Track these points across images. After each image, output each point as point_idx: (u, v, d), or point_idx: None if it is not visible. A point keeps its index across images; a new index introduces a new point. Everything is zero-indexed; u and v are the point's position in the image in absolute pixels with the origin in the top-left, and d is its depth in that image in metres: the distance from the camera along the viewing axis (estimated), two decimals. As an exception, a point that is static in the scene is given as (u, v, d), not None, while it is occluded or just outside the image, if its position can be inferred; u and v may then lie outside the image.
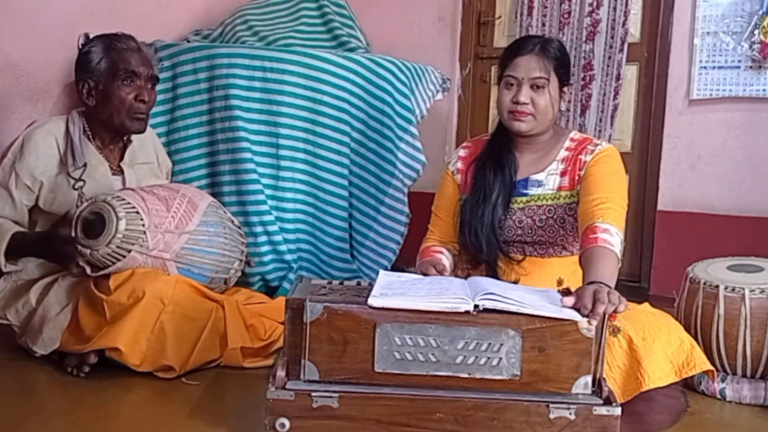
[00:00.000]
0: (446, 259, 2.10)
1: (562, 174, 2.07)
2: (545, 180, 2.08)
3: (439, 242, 2.17)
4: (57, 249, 2.01)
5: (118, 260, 1.97)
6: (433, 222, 2.22)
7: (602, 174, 1.98)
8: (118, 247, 1.96)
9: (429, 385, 1.51)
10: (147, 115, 2.22)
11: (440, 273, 1.87)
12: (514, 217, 2.08)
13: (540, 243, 2.08)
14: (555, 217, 2.05)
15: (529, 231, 2.07)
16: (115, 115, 2.17)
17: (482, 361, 1.50)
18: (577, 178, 2.04)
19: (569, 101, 2.14)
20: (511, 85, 2.03)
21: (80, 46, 2.20)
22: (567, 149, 2.09)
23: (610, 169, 2.00)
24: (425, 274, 1.85)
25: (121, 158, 2.26)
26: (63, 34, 2.84)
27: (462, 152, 2.23)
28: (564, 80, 2.07)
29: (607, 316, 1.52)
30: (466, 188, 2.16)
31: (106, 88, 2.15)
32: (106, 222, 1.95)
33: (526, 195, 2.08)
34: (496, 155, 2.10)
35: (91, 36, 2.90)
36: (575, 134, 2.12)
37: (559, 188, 2.06)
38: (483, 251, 2.06)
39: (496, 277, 2.02)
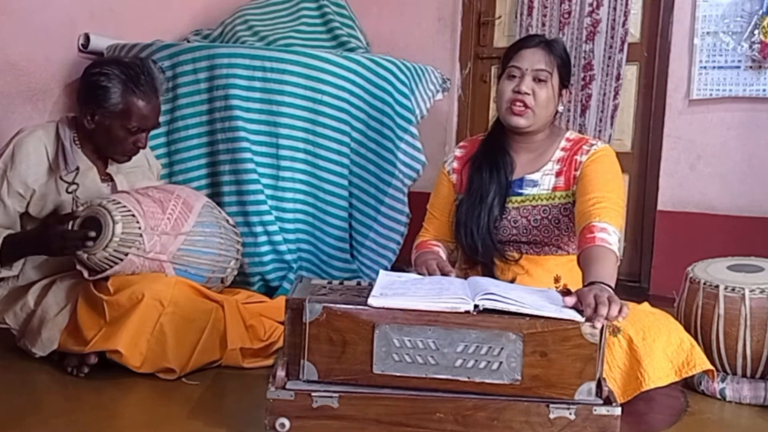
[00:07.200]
0: (443, 253, 2.11)
1: (558, 174, 2.06)
2: (540, 180, 2.07)
3: (434, 239, 2.17)
4: (52, 231, 1.96)
5: (116, 263, 1.97)
6: (428, 220, 2.22)
7: (598, 174, 1.98)
8: (115, 250, 1.96)
9: (428, 388, 1.50)
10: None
11: (441, 268, 1.86)
12: (509, 217, 2.07)
13: (535, 242, 2.08)
14: (550, 217, 2.05)
15: (524, 231, 2.07)
16: (109, 148, 2.17)
17: (482, 365, 1.49)
18: (572, 178, 2.04)
19: (569, 101, 2.14)
20: (514, 76, 2.04)
21: (90, 69, 2.14)
22: (562, 149, 2.09)
23: (606, 168, 2.00)
24: (426, 266, 1.84)
25: (107, 164, 2.25)
26: (63, 34, 2.85)
27: (458, 152, 2.23)
28: (564, 81, 2.08)
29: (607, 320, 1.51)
30: (461, 188, 2.16)
31: (110, 125, 2.12)
32: (103, 226, 1.94)
33: (521, 194, 2.08)
34: (492, 156, 2.10)
35: (91, 36, 2.91)
36: (571, 134, 2.13)
37: (555, 188, 2.06)
38: (479, 252, 2.06)
39: (493, 276, 2.02)
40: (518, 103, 2.01)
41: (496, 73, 3.83)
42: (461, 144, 2.27)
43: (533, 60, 2.02)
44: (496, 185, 2.06)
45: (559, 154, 2.08)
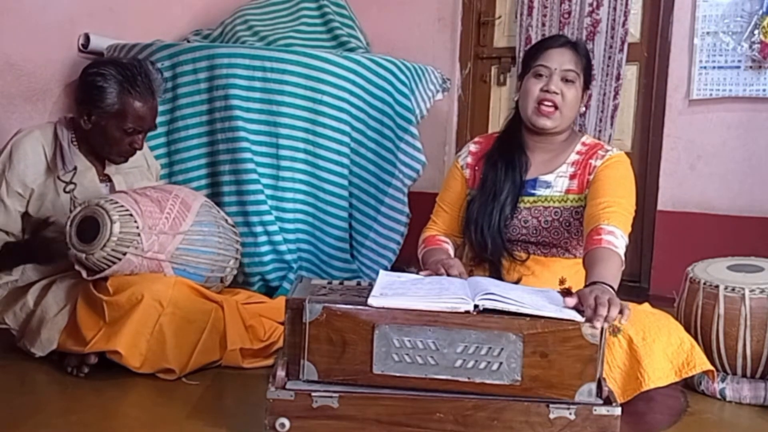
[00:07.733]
0: (451, 250, 2.12)
1: (572, 177, 2.06)
2: (554, 182, 2.07)
3: (442, 233, 2.17)
4: (42, 254, 2.04)
5: (114, 263, 1.97)
6: (437, 213, 2.22)
7: (611, 179, 1.98)
8: (113, 250, 1.96)
9: (427, 389, 1.50)
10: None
11: (447, 268, 1.82)
12: (519, 216, 2.07)
13: (543, 244, 2.08)
14: (561, 219, 2.05)
15: (534, 231, 2.07)
16: (105, 149, 2.17)
17: (482, 366, 1.49)
18: (586, 182, 2.04)
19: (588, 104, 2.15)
20: (541, 75, 2.03)
21: (87, 69, 2.15)
22: (578, 153, 2.09)
23: (619, 174, 2.01)
24: (444, 267, 1.80)
25: (105, 165, 2.25)
26: (63, 34, 2.85)
27: (473, 147, 2.22)
28: (588, 82, 2.09)
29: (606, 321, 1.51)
30: (474, 183, 2.16)
31: (107, 125, 2.12)
32: (100, 226, 1.94)
33: (533, 195, 2.08)
34: (508, 154, 2.10)
35: (91, 36, 2.91)
36: (587, 139, 2.13)
37: (568, 191, 2.06)
38: (488, 250, 2.06)
39: (499, 275, 2.02)
40: (547, 102, 2.01)
41: (496, 73, 3.84)
42: (476, 140, 2.26)
43: (562, 60, 2.02)
44: (510, 184, 2.06)
45: (574, 157, 2.08)
